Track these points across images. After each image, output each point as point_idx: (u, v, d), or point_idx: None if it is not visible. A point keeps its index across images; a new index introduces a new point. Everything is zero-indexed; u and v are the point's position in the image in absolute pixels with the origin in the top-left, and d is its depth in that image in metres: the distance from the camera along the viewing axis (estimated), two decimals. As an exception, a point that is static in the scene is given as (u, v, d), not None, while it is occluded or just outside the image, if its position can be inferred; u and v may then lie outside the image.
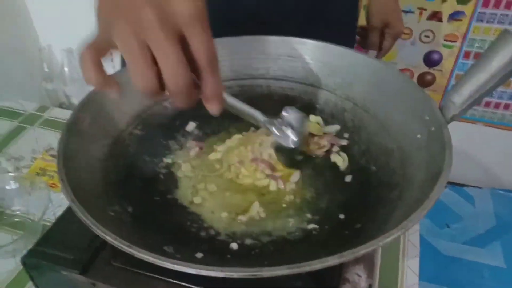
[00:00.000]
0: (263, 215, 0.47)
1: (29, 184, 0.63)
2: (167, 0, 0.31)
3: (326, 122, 0.57)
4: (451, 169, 0.39)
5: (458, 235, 1.38)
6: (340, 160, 0.53)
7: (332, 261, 0.32)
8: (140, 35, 0.31)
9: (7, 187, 0.64)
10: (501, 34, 0.41)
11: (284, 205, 0.48)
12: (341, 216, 0.46)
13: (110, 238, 0.35)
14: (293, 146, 0.48)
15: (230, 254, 0.42)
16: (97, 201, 0.43)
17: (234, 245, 0.43)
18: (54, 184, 0.68)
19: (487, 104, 1.48)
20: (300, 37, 0.58)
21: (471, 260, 1.31)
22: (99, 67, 0.35)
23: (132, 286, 0.41)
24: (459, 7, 1.32)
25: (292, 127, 0.47)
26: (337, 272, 0.43)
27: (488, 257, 1.31)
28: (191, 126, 0.58)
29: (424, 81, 1.50)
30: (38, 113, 0.85)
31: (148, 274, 0.41)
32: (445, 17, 1.36)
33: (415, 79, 1.50)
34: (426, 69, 1.48)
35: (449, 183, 0.38)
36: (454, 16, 1.34)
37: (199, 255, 0.40)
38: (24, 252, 0.44)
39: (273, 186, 0.50)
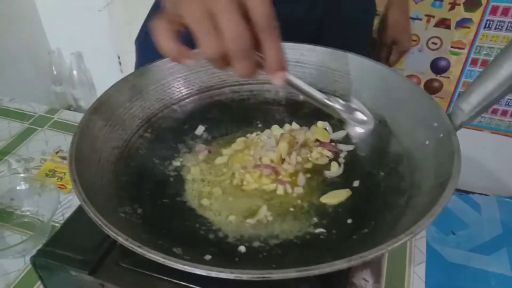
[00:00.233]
0: (270, 218, 0.47)
1: (39, 185, 0.64)
2: None
3: (334, 128, 0.58)
4: (459, 176, 0.39)
5: (464, 242, 1.37)
6: (335, 168, 0.53)
7: (340, 264, 0.32)
8: (205, 5, 0.34)
9: (18, 188, 0.64)
10: (510, 42, 0.42)
11: (291, 209, 0.48)
12: (349, 221, 0.46)
13: (121, 238, 0.35)
14: (369, 127, 0.51)
15: (238, 257, 0.43)
16: (108, 203, 0.44)
17: (242, 248, 0.43)
18: (63, 185, 0.69)
19: (494, 112, 1.48)
20: (312, 42, 0.59)
21: (477, 268, 1.30)
22: (175, 37, 0.37)
23: (140, 287, 0.41)
24: (467, 14, 1.32)
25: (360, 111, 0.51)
26: (344, 276, 0.43)
27: (494, 265, 1.30)
28: (200, 129, 0.58)
29: (431, 88, 1.50)
30: (48, 115, 0.85)
31: (156, 275, 0.41)
32: (452, 24, 1.36)
33: (422, 86, 1.50)
34: (433, 76, 1.48)
35: (455, 190, 0.38)
36: (462, 23, 1.34)
37: (208, 257, 0.41)
38: (34, 252, 0.44)
39: (280, 191, 0.50)
